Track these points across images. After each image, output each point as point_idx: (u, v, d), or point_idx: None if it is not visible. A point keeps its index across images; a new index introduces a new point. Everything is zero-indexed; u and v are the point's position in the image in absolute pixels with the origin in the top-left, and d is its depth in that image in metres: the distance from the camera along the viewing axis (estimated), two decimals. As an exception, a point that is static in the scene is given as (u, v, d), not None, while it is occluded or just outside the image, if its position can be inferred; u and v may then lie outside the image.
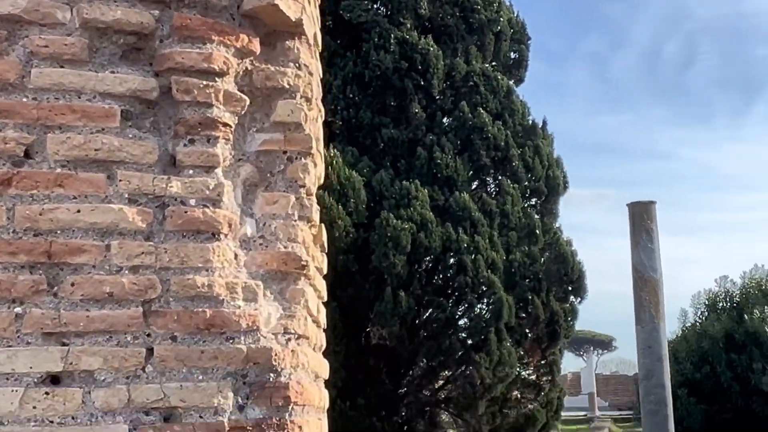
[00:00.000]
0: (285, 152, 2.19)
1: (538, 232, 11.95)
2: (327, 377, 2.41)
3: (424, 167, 11.70)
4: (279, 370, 1.97)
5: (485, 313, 11.17)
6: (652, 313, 18.48)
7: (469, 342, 11.25)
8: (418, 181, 11.38)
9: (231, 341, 1.91)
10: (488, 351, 10.97)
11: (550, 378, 12.30)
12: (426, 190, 11.34)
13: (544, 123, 13.31)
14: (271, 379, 1.95)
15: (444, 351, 11.19)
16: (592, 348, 65.06)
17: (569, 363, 70.52)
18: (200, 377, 1.87)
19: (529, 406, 11.98)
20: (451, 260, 11.11)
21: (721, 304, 25.60)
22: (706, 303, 26.16)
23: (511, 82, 13.14)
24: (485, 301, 11.14)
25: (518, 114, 12.77)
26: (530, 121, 13.03)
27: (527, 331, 11.90)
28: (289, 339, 2.05)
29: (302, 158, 2.23)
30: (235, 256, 2.01)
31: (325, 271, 2.60)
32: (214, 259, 1.93)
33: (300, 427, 2.01)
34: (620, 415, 43.64)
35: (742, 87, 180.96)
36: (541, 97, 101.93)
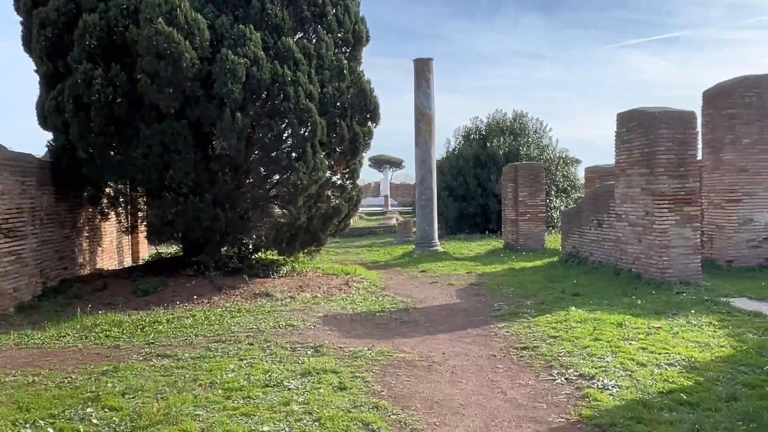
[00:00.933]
0: None
1: (345, 72, 10.87)
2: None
3: (258, 15, 10.17)
4: None
5: (304, 132, 10.19)
6: (426, 138, 18.21)
7: (293, 154, 10.30)
8: (252, 26, 9.89)
9: None
10: (305, 160, 10.10)
11: (352, 182, 11.68)
12: (259, 34, 9.91)
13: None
14: None
15: (273, 160, 10.20)
16: (388, 166, 68.32)
17: (373, 176, 74.06)
18: None
19: (336, 201, 11.35)
20: (278, 91, 9.92)
21: (472, 136, 25.87)
22: (463, 135, 26.38)
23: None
24: (305, 123, 10.13)
25: (334, -21, 11.37)
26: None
27: (335, 147, 11.08)
28: None
29: None
30: None
31: None
32: None
33: None
34: (404, 209, 46.30)
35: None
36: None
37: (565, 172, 24.72)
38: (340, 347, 6.73)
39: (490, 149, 23.94)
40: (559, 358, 6.16)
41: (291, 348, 6.68)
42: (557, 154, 25.01)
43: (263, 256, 12.24)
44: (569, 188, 24.73)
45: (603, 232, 12.32)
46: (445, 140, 28.05)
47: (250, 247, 11.33)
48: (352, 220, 36.60)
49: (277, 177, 10.93)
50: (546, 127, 25.80)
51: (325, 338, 7.16)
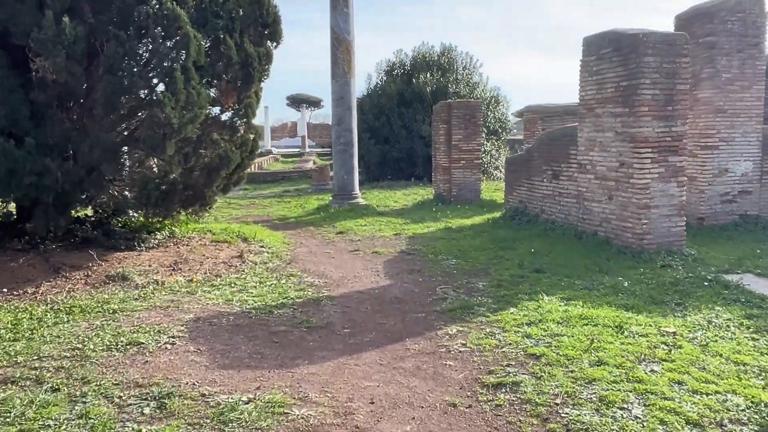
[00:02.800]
0: None
1: (231, -31, 7.90)
2: None
3: None
4: None
5: (172, 50, 7.21)
6: (345, 70, 15.20)
7: (154, 80, 7.33)
8: None
9: None
10: (174, 90, 7.16)
11: (245, 120, 8.79)
12: None
13: None
14: None
15: (126, 89, 7.18)
16: (306, 105, 64.60)
17: (291, 115, 70.23)
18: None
19: (224, 147, 8.47)
20: (131, -12, 6.87)
21: (396, 71, 23.12)
22: (386, 69, 23.56)
23: None
24: (171, 37, 7.15)
25: None
26: None
27: (221, 73, 8.15)
28: None
29: None
30: None
31: None
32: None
33: None
34: (323, 150, 43.57)
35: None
36: None
37: (497, 114, 22.51)
38: (203, 395, 4.08)
39: (416, 86, 21.32)
40: (560, 412, 3.81)
41: (120, 400, 4.00)
42: (489, 93, 22.71)
43: (131, 220, 9.27)
44: (500, 130, 22.61)
45: (560, 185, 10.10)
46: (366, 75, 25.28)
47: (108, 209, 8.36)
48: (265, 161, 33.53)
49: (140, 115, 7.93)
50: (476, 62, 23.33)
51: (183, 371, 4.49)
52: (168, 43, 7.05)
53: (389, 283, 7.35)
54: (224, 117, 8.68)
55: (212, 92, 8.16)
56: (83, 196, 7.65)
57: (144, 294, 6.68)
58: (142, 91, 7.13)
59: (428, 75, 21.64)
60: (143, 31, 7.05)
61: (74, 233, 8.11)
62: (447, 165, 14.97)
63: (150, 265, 7.64)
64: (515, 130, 28.49)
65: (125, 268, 7.37)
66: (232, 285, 7.19)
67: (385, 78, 23.34)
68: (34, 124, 7.03)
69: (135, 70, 7.05)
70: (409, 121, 20.93)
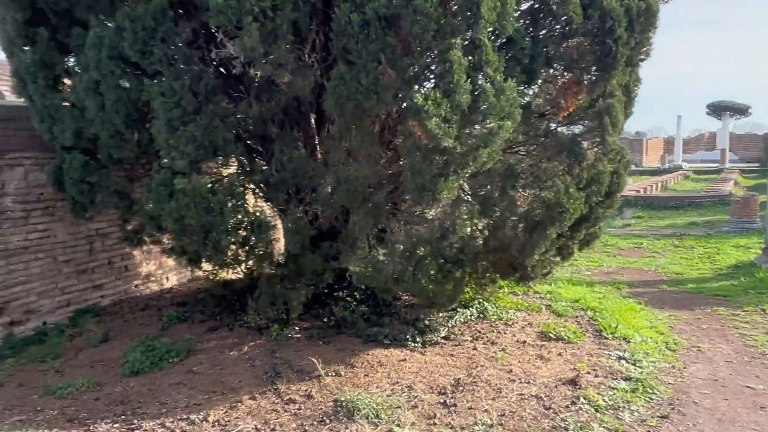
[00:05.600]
0: None
1: None
2: None
3: None
4: None
5: (442, 15, 3.97)
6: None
7: (410, 71, 4.14)
8: None
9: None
10: (448, 88, 3.80)
11: (598, 139, 4.82)
12: None
13: None
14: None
15: (368, 87, 4.17)
16: (729, 114, 54.13)
17: (709, 125, 60.32)
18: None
19: (555, 184, 4.82)
20: None
21: None
22: None
23: None
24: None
25: None
26: None
27: (548, 54, 4.53)
28: None
29: None
30: None
31: None
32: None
33: None
34: (747, 166, 35.09)
35: None
36: None
37: None
38: None
39: None
40: None
41: None
42: None
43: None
44: None
45: None
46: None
47: (360, 282, 5.52)
48: (671, 179, 27.50)
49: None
50: None
51: None
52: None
53: None
54: (559, 132, 5.03)
55: (531, 89, 4.65)
56: (323, 261, 4.98)
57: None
58: (387, 93, 4.04)
59: None
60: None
61: (327, 306, 5.57)
62: None
63: (407, 391, 4.52)
64: None
65: (360, 394, 4.38)
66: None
67: None
68: (241, 150, 4.63)
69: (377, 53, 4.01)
70: None
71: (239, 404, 4.38)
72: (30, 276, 5.90)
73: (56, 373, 5.05)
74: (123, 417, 4.26)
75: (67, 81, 5.16)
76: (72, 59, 5.05)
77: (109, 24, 4.54)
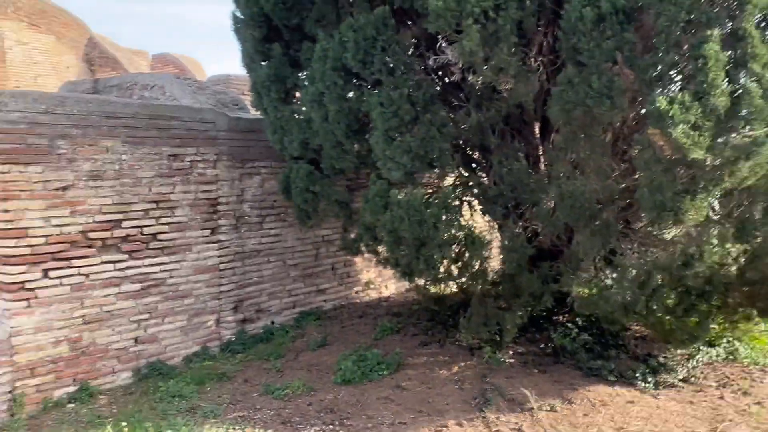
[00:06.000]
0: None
1: None
2: None
3: None
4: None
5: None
6: None
7: (654, 70, 3.51)
8: None
9: None
10: (702, 88, 3.20)
11: None
12: None
13: None
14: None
15: (600, 91, 3.61)
16: None
17: None
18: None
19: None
20: None
21: None
22: None
23: None
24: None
25: None
26: None
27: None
28: None
29: None
30: None
31: None
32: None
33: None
34: None
35: None
36: None
37: None
38: None
39: None
40: None
41: None
42: None
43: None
44: None
45: None
46: None
47: (582, 310, 4.87)
48: None
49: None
50: None
51: None
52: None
53: None
54: None
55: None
56: (541, 283, 4.51)
57: None
58: (623, 97, 3.49)
59: None
60: None
61: (544, 330, 5.10)
62: None
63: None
64: None
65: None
66: None
67: None
68: (457, 161, 4.38)
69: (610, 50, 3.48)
70: None
71: (445, 429, 4.16)
72: (262, 277, 6.34)
73: (277, 372, 5.31)
74: (331, 426, 4.29)
75: (297, 94, 5.42)
76: (302, 73, 5.28)
77: (335, 37, 4.64)
